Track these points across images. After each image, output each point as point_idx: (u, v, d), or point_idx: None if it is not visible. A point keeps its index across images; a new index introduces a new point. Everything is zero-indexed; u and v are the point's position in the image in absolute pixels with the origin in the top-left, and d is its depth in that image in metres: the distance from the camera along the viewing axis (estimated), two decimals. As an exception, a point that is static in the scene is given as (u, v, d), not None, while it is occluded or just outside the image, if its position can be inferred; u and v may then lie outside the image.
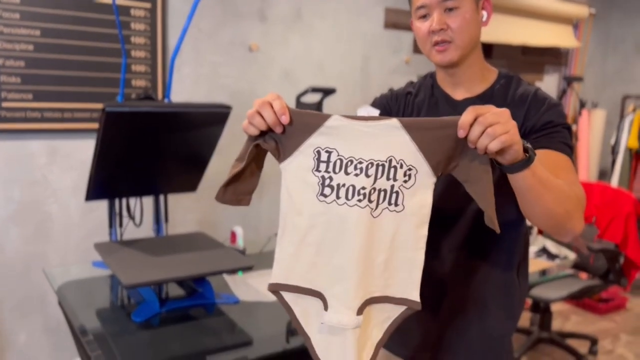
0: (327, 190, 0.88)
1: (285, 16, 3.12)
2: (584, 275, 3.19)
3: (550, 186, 0.95)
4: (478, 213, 1.06)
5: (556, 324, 3.47)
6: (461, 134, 0.85)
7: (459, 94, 1.20)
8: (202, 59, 2.88)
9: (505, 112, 0.86)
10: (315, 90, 2.63)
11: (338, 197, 0.88)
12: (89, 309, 1.79)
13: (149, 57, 2.69)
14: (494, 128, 0.84)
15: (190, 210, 2.94)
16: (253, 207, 3.18)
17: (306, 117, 0.89)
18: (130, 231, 2.28)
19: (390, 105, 1.30)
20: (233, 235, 2.35)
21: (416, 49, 3.68)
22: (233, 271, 1.83)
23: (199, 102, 2.12)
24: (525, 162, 0.89)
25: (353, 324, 0.89)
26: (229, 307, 1.79)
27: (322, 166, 0.89)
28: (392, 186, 0.87)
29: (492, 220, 0.89)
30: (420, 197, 0.89)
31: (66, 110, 2.52)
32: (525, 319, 3.33)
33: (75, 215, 2.63)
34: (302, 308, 0.93)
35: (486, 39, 3.82)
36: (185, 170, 2.16)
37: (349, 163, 0.88)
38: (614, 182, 4.27)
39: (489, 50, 4.05)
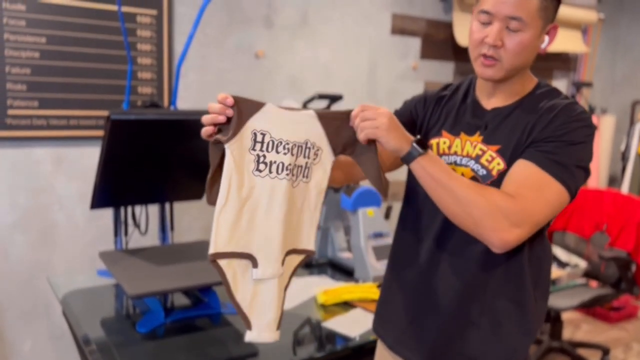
0: (261, 166, 1.06)
1: (292, 22, 3.10)
2: (594, 283, 3.14)
3: (449, 186, 1.02)
4: None
5: (567, 333, 3.42)
6: (351, 123, 1.07)
7: (490, 103, 1.16)
8: (209, 65, 2.87)
9: (382, 111, 1.04)
10: (322, 96, 2.61)
11: (270, 172, 1.06)
12: (93, 318, 1.76)
13: (155, 64, 2.68)
14: (365, 123, 1.04)
15: (196, 218, 2.92)
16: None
17: (245, 103, 1.05)
18: (135, 239, 2.27)
19: (417, 109, 1.28)
20: None
21: (424, 55, 3.66)
22: (239, 281, 1.80)
23: (205, 109, 2.11)
24: (407, 155, 1.04)
25: (278, 274, 1.07)
26: (235, 317, 1.76)
27: (258, 146, 1.05)
28: (307, 163, 1.08)
29: (379, 190, 1.10)
30: (321, 171, 1.10)
31: (72, 118, 2.51)
32: (535, 328, 3.28)
33: (81, 222, 2.61)
34: (233, 271, 1.07)
35: (494, 45, 3.80)
36: (191, 177, 2.14)
37: (279, 144, 1.06)
38: (625, 188, 4.22)
39: (496, 55, 4.01)
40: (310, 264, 2.30)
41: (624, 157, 4.33)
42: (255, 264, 1.06)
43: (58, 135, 2.49)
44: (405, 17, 3.53)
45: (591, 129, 1.07)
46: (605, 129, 4.52)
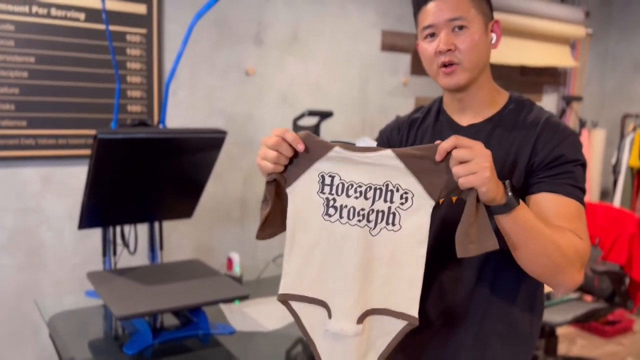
0: (331, 211, 0.97)
1: (282, 39, 3.12)
2: (588, 297, 3.13)
3: (537, 236, 0.94)
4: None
5: (562, 348, 3.40)
6: (437, 158, 0.91)
7: (465, 120, 1.15)
8: (199, 83, 2.87)
9: (482, 153, 0.87)
10: (312, 113, 2.61)
11: (341, 217, 0.96)
12: (81, 340, 1.73)
13: (144, 82, 2.68)
14: (462, 168, 0.87)
15: (186, 236, 2.90)
16: (250, 232, 3.14)
17: (313, 144, 0.96)
18: (125, 259, 2.24)
19: (393, 136, 1.26)
20: (230, 262, 2.30)
21: (414, 71, 3.67)
22: (229, 301, 1.78)
23: (194, 128, 2.10)
24: (503, 207, 0.91)
25: (353, 332, 0.96)
26: (224, 337, 1.74)
27: (326, 189, 0.97)
28: (389, 207, 0.94)
29: (458, 245, 0.91)
30: (417, 219, 0.94)
31: (61, 137, 2.50)
32: (530, 343, 3.25)
33: (69, 243, 2.59)
34: (308, 316, 1.00)
35: (484, 60, 3.83)
36: (180, 196, 2.13)
37: (350, 187, 0.95)
38: (617, 202, 4.22)
39: (486, 71, 4.04)
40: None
41: (615, 170, 4.35)
42: (329, 313, 0.98)
43: (46, 154, 2.48)
44: (395, 34, 3.56)
45: (580, 145, 1.08)
46: (596, 142, 4.54)
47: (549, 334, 3.03)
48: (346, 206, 0.96)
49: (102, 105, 2.57)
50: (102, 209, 1.97)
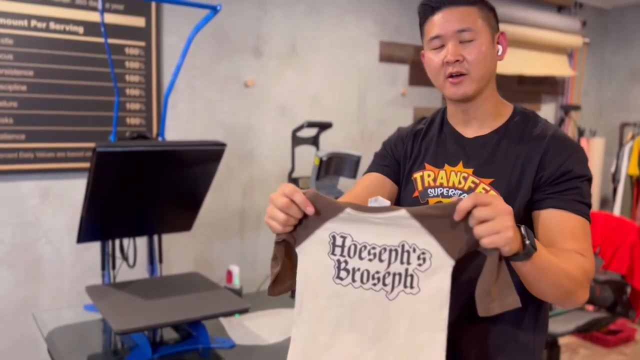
0: (342, 274, 0.91)
1: (280, 51, 3.13)
2: (590, 307, 3.11)
3: (551, 272, 0.92)
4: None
5: (564, 358, 3.37)
6: (456, 218, 0.86)
7: (470, 132, 1.14)
8: (198, 95, 2.87)
9: (504, 211, 0.83)
10: (311, 125, 2.61)
11: (354, 281, 0.91)
12: (79, 355, 1.71)
13: (143, 95, 2.68)
14: (483, 227, 0.83)
15: (185, 249, 2.88)
16: (250, 244, 3.13)
17: (322, 205, 0.92)
18: (124, 272, 2.23)
19: (397, 148, 1.23)
20: (229, 275, 2.29)
21: (412, 82, 3.68)
22: (229, 314, 1.76)
23: (193, 140, 2.10)
24: (522, 256, 0.88)
25: None
26: (224, 351, 1.72)
27: (337, 250, 0.92)
28: (407, 269, 0.89)
29: (478, 303, 0.87)
30: (437, 280, 0.89)
31: (59, 150, 2.49)
32: (532, 353, 3.22)
33: (68, 256, 2.57)
34: None
35: (482, 70, 3.84)
36: (179, 209, 2.12)
37: (363, 248, 0.90)
38: (616, 210, 4.22)
39: (484, 81, 4.05)
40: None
41: (614, 178, 4.35)
42: None
43: (45, 167, 2.47)
44: (393, 45, 3.57)
45: (586, 159, 1.08)
46: (595, 151, 4.54)
47: (551, 345, 3.01)
48: (359, 269, 0.91)
49: (100, 118, 2.57)
50: (101, 223, 1.97)
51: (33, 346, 2.51)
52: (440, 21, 1.07)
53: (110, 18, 2.54)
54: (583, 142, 4.44)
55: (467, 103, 1.11)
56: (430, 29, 1.09)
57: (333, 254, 0.92)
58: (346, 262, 0.91)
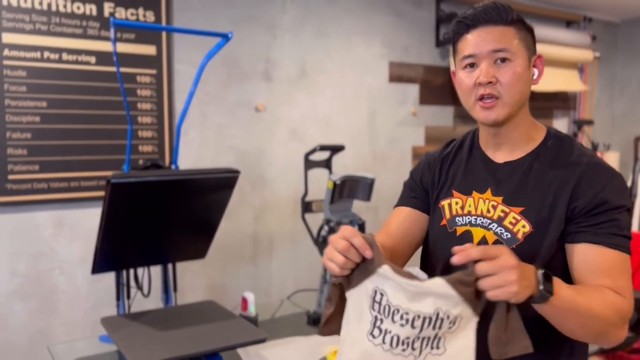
0: (376, 332, 0.90)
1: (290, 75, 3.13)
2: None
3: (576, 313, 0.90)
4: None
5: (588, 380, 3.28)
6: (455, 260, 0.84)
7: (500, 156, 1.09)
8: (209, 121, 2.88)
9: (507, 265, 0.82)
10: (323, 148, 2.59)
11: (384, 342, 0.89)
12: (95, 390, 1.69)
13: (155, 122, 2.69)
14: (489, 281, 0.82)
15: (198, 276, 2.86)
16: (263, 269, 3.10)
17: (377, 253, 0.91)
18: (138, 301, 2.21)
19: (425, 176, 1.20)
20: (244, 302, 2.26)
21: (422, 101, 3.67)
22: (246, 345, 1.73)
23: (207, 168, 2.09)
24: (538, 299, 0.87)
25: None
26: (242, 383, 1.69)
27: (376, 306, 0.91)
28: (437, 334, 0.88)
29: (490, 346, 0.86)
30: (462, 338, 0.88)
31: (73, 180, 2.50)
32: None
33: (82, 286, 2.56)
34: None
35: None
36: (193, 237, 2.10)
37: (396, 312, 0.88)
38: (634, 226, 4.15)
39: (495, 98, 4.03)
40: (319, 321, 2.23)
41: (631, 193, 4.28)
42: None
43: (59, 197, 2.47)
44: (402, 65, 3.57)
45: (627, 190, 1.02)
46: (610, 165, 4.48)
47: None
48: (390, 332, 0.88)
49: (113, 146, 2.58)
50: (115, 253, 1.95)
51: (48, 378, 2.48)
52: (475, 40, 1.02)
53: (122, 47, 2.56)
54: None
55: (498, 127, 1.07)
56: (463, 47, 1.04)
57: (372, 308, 0.91)
58: (381, 320, 0.89)
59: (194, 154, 2.82)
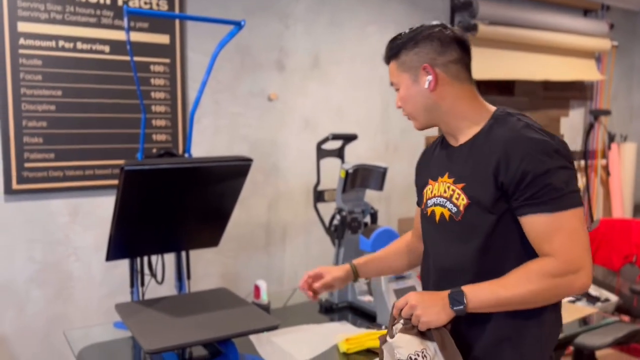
0: None
1: (303, 65, 3.12)
2: (626, 317, 3.01)
3: (505, 303, 1.10)
4: (478, 267, 1.17)
5: (602, 372, 3.26)
6: (395, 314, 1.20)
7: (454, 141, 1.27)
8: (222, 110, 2.88)
9: (410, 306, 1.15)
10: (336, 137, 2.59)
11: None
12: (110, 374, 1.71)
13: (169, 111, 2.70)
14: (414, 319, 1.15)
15: (212, 264, 2.88)
16: (276, 258, 3.11)
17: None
18: (152, 288, 2.23)
19: (418, 178, 1.41)
20: (257, 290, 2.27)
21: (436, 90, 3.64)
22: (258, 332, 1.74)
23: (220, 156, 2.10)
24: (459, 312, 1.12)
25: None
26: (254, 369, 1.70)
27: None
28: None
29: None
30: None
31: (87, 168, 2.52)
32: (568, 367, 3.13)
33: (97, 273, 2.59)
34: None
35: (507, 76, 3.79)
36: (207, 225, 2.11)
37: None
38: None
39: (510, 87, 3.99)
40: (331, 309, 2.24)
41: (648, 184, 4.22)
42: None
43: (74, 185, 2.50)
44: (416, 54, 3.53)
45: (556, 151, 1.10)
46: (627, 156, 4.42)
47: (589, 358, 2.91)
48: None
49: (127, 135, 2.59)
50: (129, 240, 1.97)
51: (64, 363, 2.52)
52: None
53: (135, 36, 2.57)
54: (614, 148, 4.34)
55: (432, 127, 1.28)
56: None
57: None
58: None
59: (208, 143, 2.83)
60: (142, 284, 2.15)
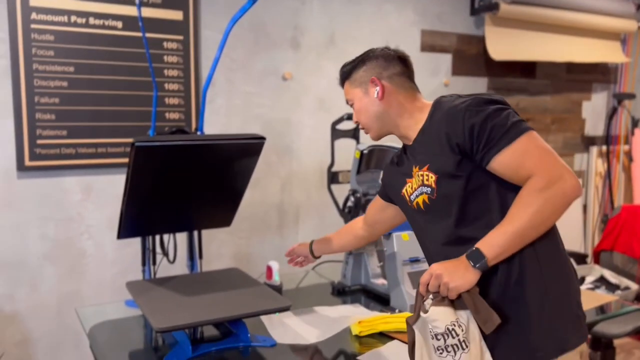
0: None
1: (319, 43, 3.06)
2: (646, 306, 2.94)
3: (518, 236, 1.15)
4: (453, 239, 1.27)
5: (619, 360, 3.21)
6: (421, 290, 1.25)
7: (410, 141, 1.40)
8: (236, 89, 2.84)
9: (435, 275, 1.20)
10: (350, 117, 2.53)
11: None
12: (120, 351, 1.70)
13: (182, 89, 2.66)
14: (441, 290, 1.20)
15: (224, 244, 2.86)
16: (289, 239, 3.08)
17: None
18: (164, 267, 2.21)
19: (391, 179, 1.51)
20: (269, 270, 2.25)
21: (455, 71, 3.56)
22: (270, 312, 1.72)
23: (232, 134, 2.06)
24: (482, 270, 1.17)
25: None
26: (265, 350, 1.68)
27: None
28: (459, 339, 1.20)
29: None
30: (473, 333, 1.23)
31: (100, 146, 2.50)
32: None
33: (110, 251, 2.59)
34: None
35: (529, 58, 3.68)
36: (219, 204, 2.08)
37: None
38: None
39: (531, 69, 3.89)
40: (343, 291, 2.21)
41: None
42: None
43: (86, 163, 2.48)
44: (435, 33, 3.45)
45: (487, 101, 1.21)
46: (651, 141, 4.30)
47: (606, 346, 2.86)
48: (433, 346, 1.22)
49: (141, 113, 2.56)
50: (140, 219, 1.95)
51: (76, 341, 2.53)
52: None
53: (148, 12, 2.53)
54: (637, 133, 4.22)
55: (387, 135, 1.44)
56: None
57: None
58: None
59: (221, 122, 2.80)
60: (154, 262, 2.13)
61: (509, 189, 1.21)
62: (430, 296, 1.21)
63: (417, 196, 1.35)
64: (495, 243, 1.16)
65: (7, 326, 2.42)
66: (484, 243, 1.17)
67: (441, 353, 1.19)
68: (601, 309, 2.42)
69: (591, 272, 2.90)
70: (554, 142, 4.18)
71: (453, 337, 1.17)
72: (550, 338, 1.22)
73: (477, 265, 1.16)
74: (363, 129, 1.46)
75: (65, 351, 2.53)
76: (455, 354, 1.18)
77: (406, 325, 1.27)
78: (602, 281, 2.85)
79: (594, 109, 4.35)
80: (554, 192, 1.13)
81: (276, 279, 2.23)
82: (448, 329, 1.18)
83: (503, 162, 1.17)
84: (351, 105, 1.47)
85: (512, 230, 1.15)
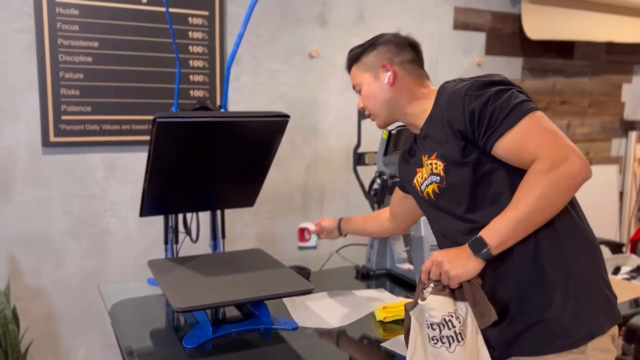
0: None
1: (347, 20, 2.97)
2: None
3: (523, 222, 1.10)
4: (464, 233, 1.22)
5: (652, 353, 3.09)
6: (423, 278, 1.21)
7: (418, 129, 1.37)
8: (261, 67, 2.78)
9: (436, 262, 1.16)
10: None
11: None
12: (140, 329, 1.68)
13: (207, 66, 2.61)
14: (443, 279, 1.16)
15: (248, 225, 2.83)
16: (313, 221, 3.03)
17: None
18: (187, 247, 2.19)
19: (404, 169, 1.48)
20: (301, 233, 2.09)
21: (489, 51, 3.43)
22: (293, 295, 1.67)
23: (256, 111, 2.01)
24: (486, 259, 1.13)
25: None
26: (287, 333, 1.64)
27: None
28: (455, 331, 1.17)
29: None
30: (470, 326, 1.20)
31: (124, 123, 2.48)
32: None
33: (133, 229, 2.58)
34: None
35: (567, 37, 3.53)
36: (242, 184, 2.04)
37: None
38: None
39: (569, 49, 3.73)
40: (368, 275, 2.15)
41: None
42: None
43: (111, 140, 2.46)
44: (469, 11, 3.32)
45: (487, 84, 1.17)
46: (694, 127, 4.11)
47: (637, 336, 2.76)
48: (428, 335, 1.21)
49: (165, 89, 2.53)
50: (162, 197, 1.92)
51: (99, 317, 2.54)
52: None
53: (173, -13, 2.47)
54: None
55: (393, 123, 1.43)
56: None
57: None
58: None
59: (246, 101, 2.74)
60: (177, 241, 2.11)
61: (519, 174, 1.14)
62: (431, 284, 1.18)
63: (427, 186, 1.31)
64: (498, 230, 1.11)
65: (32, 300, 2.44)
66: (486, 231, 1.13)
67: (435, 343, 1.17)
68: (636, 302, 2.32)
69: (627, 262, 2.78)
70: (591, 126, 4.02)
71: (449, 329, 1.15)
72: (578, 322, 1.13)
73: (479, 254, 1.12)
74: (369, 115, 1.43)
75: (89, 327, 2.55)
76: (450, 345, 1.16)
77: (404, 311, 1.25)
78: (638, 271, 2.73)
79: (634, 93, 4.17)
80: (559, 174, 1.07)
81: (314, 239, 2.08)
82: (445, 319, 1.15)
83: (506, 147, 1.13)
84: (358, 91, 1.44)
85: (516, 216, 1.09)
